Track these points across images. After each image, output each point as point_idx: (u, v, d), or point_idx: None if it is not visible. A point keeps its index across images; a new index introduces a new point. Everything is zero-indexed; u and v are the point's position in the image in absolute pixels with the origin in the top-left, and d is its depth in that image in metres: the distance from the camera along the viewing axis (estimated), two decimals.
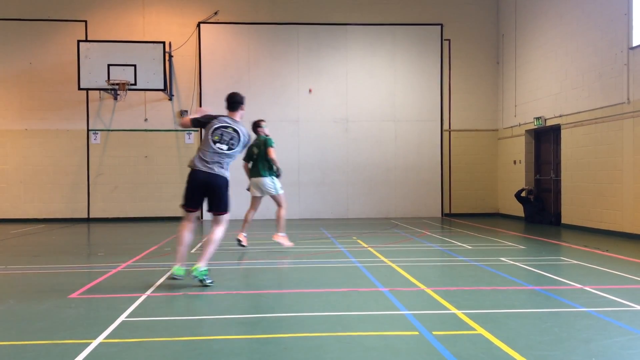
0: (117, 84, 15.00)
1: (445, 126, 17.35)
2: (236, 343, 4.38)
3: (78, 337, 4.49)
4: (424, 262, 8.36)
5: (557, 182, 14.38)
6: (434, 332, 4.54)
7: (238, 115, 6.68)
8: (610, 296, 5.81)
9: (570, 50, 13.31)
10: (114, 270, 7.61)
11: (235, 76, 16.81)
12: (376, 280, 6.79)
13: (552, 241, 10.79)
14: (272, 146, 9.24)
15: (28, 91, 16.43)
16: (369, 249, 9.66)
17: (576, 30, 13.09)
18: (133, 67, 15.12)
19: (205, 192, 6.46)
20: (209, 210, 6.57)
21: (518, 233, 12.31)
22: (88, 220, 16.43)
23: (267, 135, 9.45)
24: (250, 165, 9.59)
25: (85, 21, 16.49)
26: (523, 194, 15.28)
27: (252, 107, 16.78)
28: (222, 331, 4.70)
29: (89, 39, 16.09)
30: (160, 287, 6.42)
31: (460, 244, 10.31)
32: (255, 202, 9.70)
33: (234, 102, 6.67)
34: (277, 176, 9.44)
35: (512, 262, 8.08)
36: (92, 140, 16.56)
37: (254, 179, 9.46)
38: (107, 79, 14.98)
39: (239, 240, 9.51)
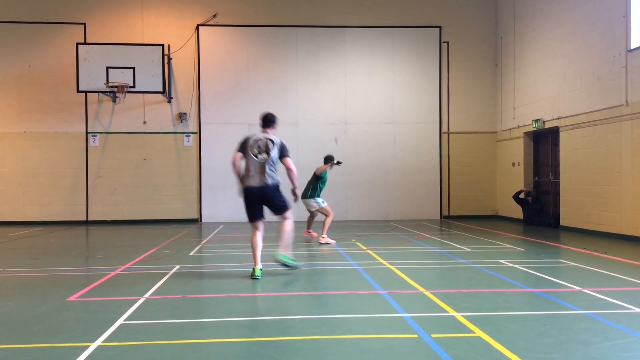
0: (116, 87, 15.00)
1: (444, 128, 17.36)
2: (235, 346, 4.37)
3: (76, 340, 4.48)
4: (423, 265, 8.36)
5: (556, 184, 14.39)
6: (432, 335, 4.54)
7: (270, 131, 7.55)
8: (609, 298, 5.81)
9: (569, 52, 13.33)
10: (112, 273, 7.60)
11: (234, 78, 16.83)
12: (375, 282, 6.78)
13: (551, 243, 10.79)
14: (321, 166, 11.47)
15: (27, 94, 16.43)
16: (368, 251, 9.66)
17: (575, 33, 13.11)
18: (132, 70, 15.13)
19: (262, 202, 7.38)
20: (273, 214, 7.50)
21: (517, 235, 12.31)
22: (87, 222, 16.42)
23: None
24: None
25: (84, 24, 16.50)
26: (521, 196, 15.27)
27: (250, 110, 16.87)
28: (221, 334, 4.70)
29: (87, 41, 16.11)
30: (158, 290, 6.42)
31: (459, 246, 10.30)
32: (311, 214, 11.67)
33: (268, 120, 7.62)
34: (338, 163, 11.70)
35: (511, 265, 8.08)
36: (90, 143, 16.56)
37: (303, 200, 11.30)
38: (106, 81, 14.98)
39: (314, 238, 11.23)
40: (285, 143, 7.50)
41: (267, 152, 7.24)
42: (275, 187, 7.30)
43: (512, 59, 16.34)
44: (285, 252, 7.37)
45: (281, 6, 16.96)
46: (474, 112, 17.45)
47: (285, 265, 7.37)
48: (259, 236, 7.35)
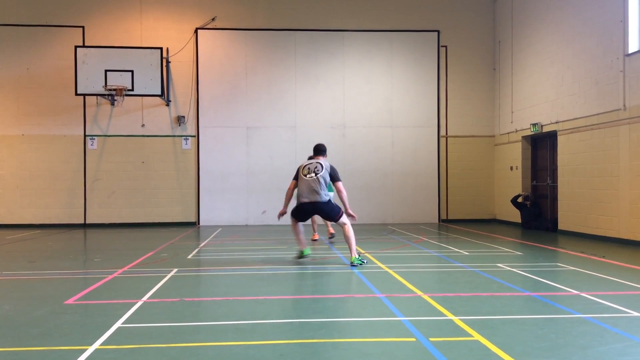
0: (114, 90, 14.99)
1: (442, 132, 17.39)
2: (232, 349, 4.37)
3: (74, 344, 4.47)
4: (421, 268, 8.35)
5: (554, 188, 14.41)
6: (430, 339, 4.54)
7: (321, 159, 8.71)
8: (606, 302, 5.82)
9: (567, 56, 13.37)
10: (110, 276, 7.59)
11: (232, 82, 16.84)
12: (373, 286, 6.78)
13: (549, 247, 10.81)
14: None
15: (25, 96, 16.42)
16: (366, 254, 9.65)
17: (572, 37, 13.15)
18: (130, 73, 15.12)
19: (313, 214, 8.73)
20: (329, 222, 8.96)
21: (515, 239, 12.32)
22: (84, 225, 16.40)
23: None
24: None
25: (83, 27, 16.51)
26: (519, 200, 15.29)
27: (249, 113, 16.90)
28: (219, 337, 4.69)
29: (86, 44, 16.11)
30: (156, 293, 6.41)
31: (457, 249, 10.31)
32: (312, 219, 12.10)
33: (318, 150, 8.84)
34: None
35: (508, 268, 8.09)
36: (89, 146, 16.55)
37: None
38: (104, 84, 14.98)
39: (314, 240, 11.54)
40: (335, 166, 8.65)
41: (315, 172, 8.37)
42: (325, 202, 8.36)
43: (510, 63, 16.38)
44: (354, 255, 8.26)
45: (280, 10, 16.98)
46: (472, 116, 17.48)
47: (360, 264, 8.19)
48: (299, 224, 8.65)
